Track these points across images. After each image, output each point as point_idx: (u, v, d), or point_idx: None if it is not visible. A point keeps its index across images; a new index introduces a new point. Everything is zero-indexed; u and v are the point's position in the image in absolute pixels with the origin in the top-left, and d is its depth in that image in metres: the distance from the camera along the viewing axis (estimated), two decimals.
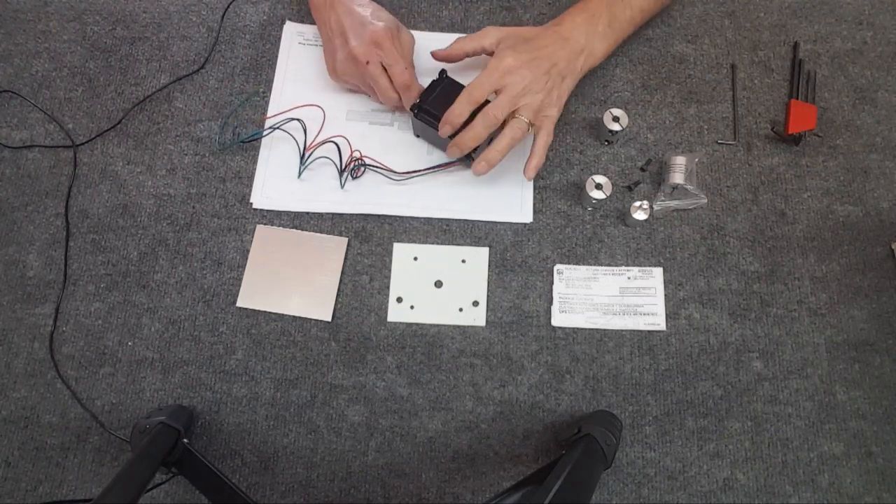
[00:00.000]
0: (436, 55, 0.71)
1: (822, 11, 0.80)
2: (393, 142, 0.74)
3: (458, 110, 0.65)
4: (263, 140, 0.74)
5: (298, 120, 0.71)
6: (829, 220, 0.72)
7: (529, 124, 0.67)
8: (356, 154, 0.72)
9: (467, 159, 0.70)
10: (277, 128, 0.71)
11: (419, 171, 0.72)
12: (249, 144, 0.74)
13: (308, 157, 0.72)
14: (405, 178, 0.72)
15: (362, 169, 0.72)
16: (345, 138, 0.71)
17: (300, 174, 0.72)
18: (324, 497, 0.65)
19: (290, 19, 0.79)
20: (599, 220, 0.72)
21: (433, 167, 0.72)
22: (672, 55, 0.78)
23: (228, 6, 0.79)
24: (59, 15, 0.80)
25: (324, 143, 0.71)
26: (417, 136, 0.74)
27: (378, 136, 0.74)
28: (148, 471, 0.54)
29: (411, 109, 0.68)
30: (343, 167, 0.71)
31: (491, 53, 0.69)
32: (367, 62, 0.69)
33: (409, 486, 0.65)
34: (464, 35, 0.71)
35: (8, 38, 0.78)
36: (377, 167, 0.72)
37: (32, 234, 0.71)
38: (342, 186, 0.72)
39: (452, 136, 0.67)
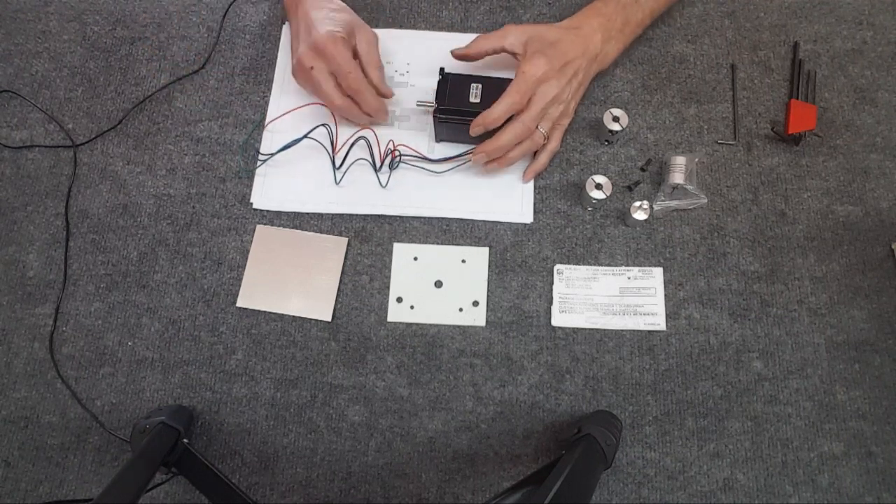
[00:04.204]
0: (455, 54, 0.71)
1: (822, 11, 0.80)
2: (396, 140, 0.73)
3: (497, 115, 0.65)
4: (263, 141, 0.74)
5: (325, 125, 0.70)
6: (829, 220, 0.72)
7: (546, 136, 0.68)
8: (390, 146, 0.71)
9: None
10: (307, 136, 0.70)
11: (455, 156, 0.72)
12: (249, 145, 0.74)
13: (342, 161, 0.71)
14: (443, 167, 0.72)
15: (398, 162, 0.72)
16: (372, 131, 0.71)
17: (338, 180, 0.72)
18: (324, 497, 0.65)
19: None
20: (599, 220, 0.72)
21: (468, 152, 0.71)
22: (672, 55, 0.78)
23: (229, 6, 0.79)
24: (59, 15, 0.80)
25: (352, 143, 0.71)
26: (440, 140, 0.73)
27: (381, 134, 0.74)
28: (148, 471, 0.54)
29: (434, 115, 0.68)
30: (380, 163, 0.71)
31: (511, 53, 0.69)
32: (312, 67, 0.68)
33: (409, 486, 0.65)
34: (483, 34, 0.70)
35: (8, 38, 0.78)
36: (413, 155, 0.72)
37: (32, 234, 0.71)
38: (385, 186, 0.72)
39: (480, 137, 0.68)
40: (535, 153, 0.71)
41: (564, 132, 0.72)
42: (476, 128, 0.66)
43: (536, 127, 0.67)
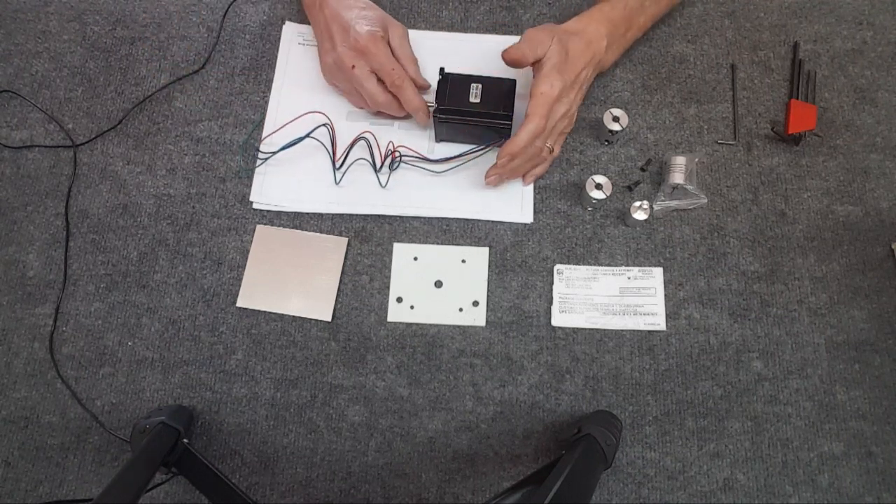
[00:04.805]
0: (507, 57, 0.65)
1: (822, 11, 0.80)
2: (396, 141, 0.74)
3: (524, 143, 0.64)
4: (264, 141, 0.74)
5: (326, 125, 0.70)
6: (829, 220, 0.72)
7: (551, 150, 0.69)
8: (390, 147, 0.72)
9: (503, 138, 0.70)
10: (307, 136, 0.70)
11: (455, 156, 0.71)
12: (249, 145, 0.74)
13: (343, 161, 0.71)
14: (444, 167, 0.72)
15: (398, 163, 0.72)
16: (371, 133, 0.71)
17: (338, 180, 0.72)
18: (324, 497, 0.65)
19: (289, 19, 0.79)
20: (599, 220, 0.72)
21: (468, 152, 0.71)
22: (672, 55, 0.78)
23: (229, 6, 0.79)
24: (59, 15, 0.80)
25: (352, 144, 0.71)
26: (440, 140, 0.73)
27: (381, 135, 0.74)
28: (148, 471, 0.54)
29: (434, 115, 0.68)
30: (381, 163, 0.71)
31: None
32: (353, 66, 0.69)
33: (409, 486, 0.65)
34: (516, 45, 0.65)
35: (8, 38, 0.78)
36: (413, 156, 0.72)
37: (32, 234, 0.71)
38: (385, 186, 0.72)
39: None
40: None
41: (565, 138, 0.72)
42: (504, 158, 0.66)
43: (545, 146, 0.68)
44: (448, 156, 0.72)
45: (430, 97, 0.71)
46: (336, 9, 0.69)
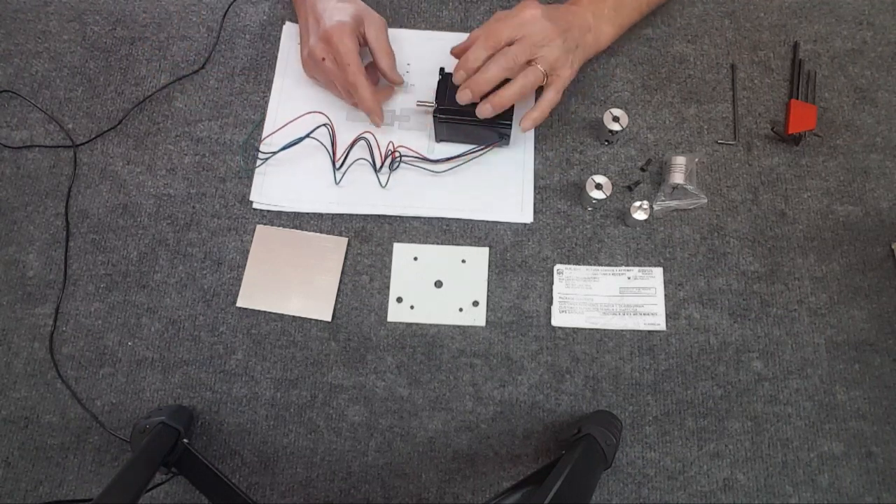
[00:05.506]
0: (454, 52, 0.70)
1: (822, 11, 0.80)
2: (396, 141, 0.73)
3: (475, 55, 0.64)
4: (264, 141, 0.74)
5: (326, 125, 0.70)
6: (829, 220, 0.72)
7: (545, 75, 0.66)
8: (390, 147, 0.72)
9: (503, 139, 0.70)
10: (308, 136, 0.70)
11: (455, 156, 0.72)
12: (250, 145, 0.74)
13: (343, 161, 0.71)
14: (444, 167, 0.72)
15: (398, 163, 0.72)
16: (371, 133, 0.71)
17: (338, 180, 0.72)
18: (324, 497, 0.65)
19: (289, 19, 0.79)
20: (599, 220, 0.72)
21: (468, 152, 0.72)
22: (672, 55, 0.78)
23: (229, 6, 0.79)
24: (59, 15, 0.80)
25: (352, 144, 0.70)
26: (440, 140, 0.73)
27: (381, 135, 0.74)
28: (148, 471, 0.54)
29: (434, 115, 0.68)
30: (381, 163, 0.71)
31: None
32: (324, 59, 0.69)
33: (409, 486, 0.65)
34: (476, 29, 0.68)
35: (8, 38, 0.78)
36: (413, 156, 0.72)
37: (32, 234, 0.71)
38: (385, 186, 0.72)
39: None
40: (537, 102, 0.68)
41: (565, 87, 0.68)
42: (459, 73, 0.65)
43: (531, 64, 0.65)
44: (448, 156, 0.72)
45: (423, 95, 0.72)
46: (315, 2, 0.70)
